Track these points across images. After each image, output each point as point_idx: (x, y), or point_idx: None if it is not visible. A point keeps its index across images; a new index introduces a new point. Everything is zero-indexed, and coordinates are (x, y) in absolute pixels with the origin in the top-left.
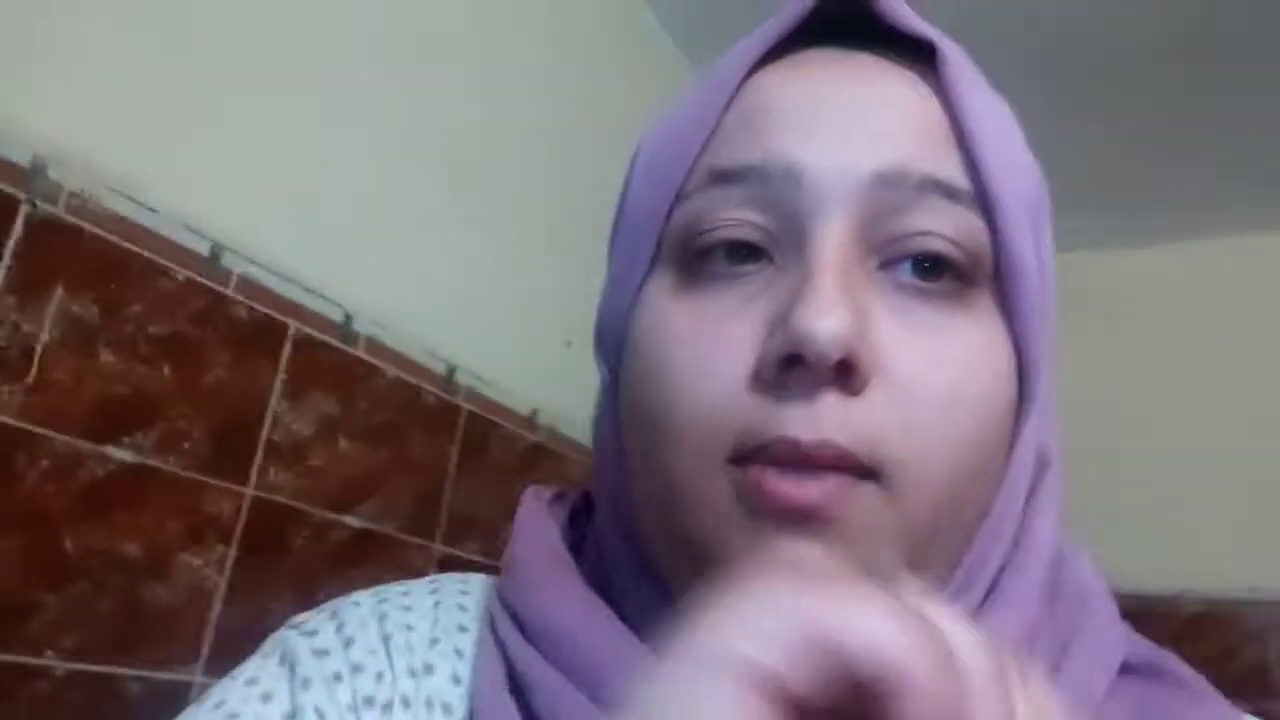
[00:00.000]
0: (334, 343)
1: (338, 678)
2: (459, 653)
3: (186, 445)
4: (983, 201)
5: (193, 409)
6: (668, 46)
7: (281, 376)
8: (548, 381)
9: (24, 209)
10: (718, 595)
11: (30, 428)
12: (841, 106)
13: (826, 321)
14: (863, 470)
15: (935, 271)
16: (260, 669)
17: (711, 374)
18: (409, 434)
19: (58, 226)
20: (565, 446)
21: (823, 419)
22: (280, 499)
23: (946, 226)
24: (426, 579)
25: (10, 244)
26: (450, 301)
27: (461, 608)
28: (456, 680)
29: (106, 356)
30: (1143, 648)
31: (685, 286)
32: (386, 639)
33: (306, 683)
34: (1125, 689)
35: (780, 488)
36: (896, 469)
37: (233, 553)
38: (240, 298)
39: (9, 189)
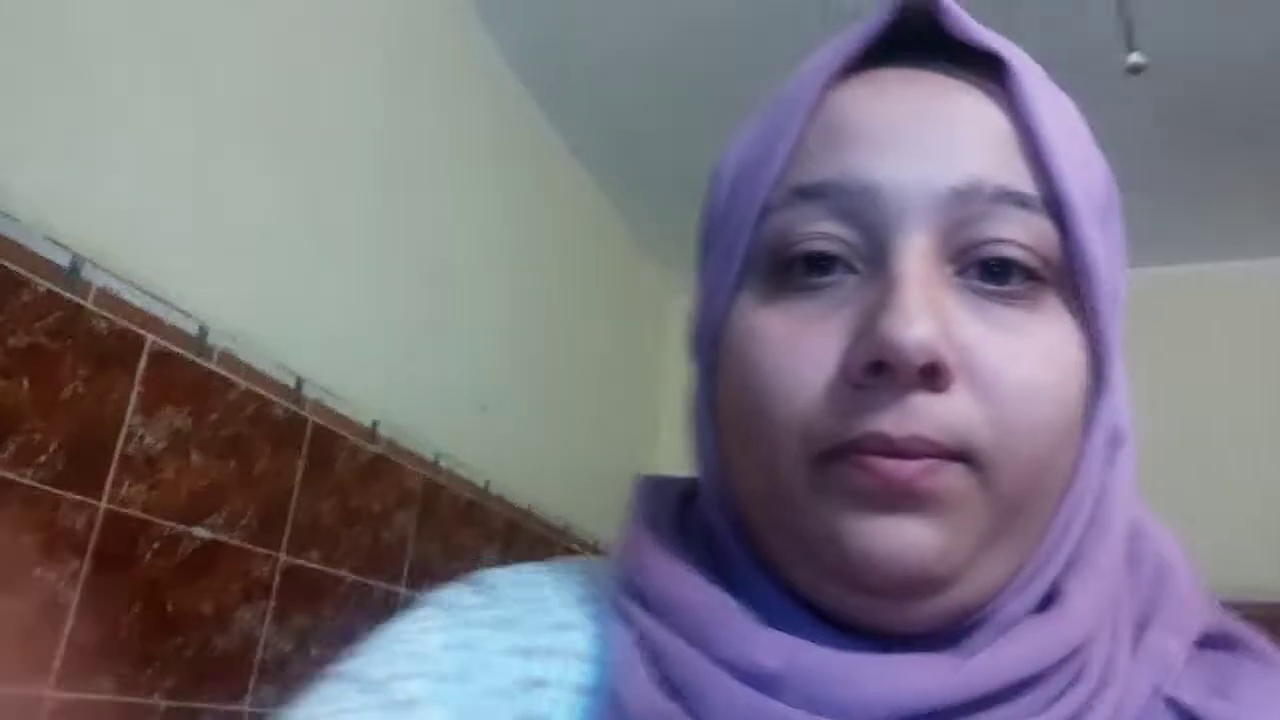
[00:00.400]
0: (189, 356)
1: (488, 624)
2: (591, 617)
3: (42, 459)
4: (1053, 206)
5: (48, 423)
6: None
7: (138, 389)
8: (387, 395)
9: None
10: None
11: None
12: (917, 124)
13: (913, 330)
14: (951, 455)
15: (1008, 274)
16: (419, 615)
17: (801, 379)
18: (257, 446)
19: None
20: (404, 458)
21: (911, 416)
22: (133, 512)
23: (1019, 233)
24: (540, 563)
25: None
26: (299, 315)
27: (581, 584)
28: (592, 640)
29: None
30: (1223, 620)
31: (774, 296)
32: (526, 600)
33: (466, 623)
34: (1203, 658)
35: (880, 466)
36: (982, 454)
37: (86, 566)
38: (99, 310)
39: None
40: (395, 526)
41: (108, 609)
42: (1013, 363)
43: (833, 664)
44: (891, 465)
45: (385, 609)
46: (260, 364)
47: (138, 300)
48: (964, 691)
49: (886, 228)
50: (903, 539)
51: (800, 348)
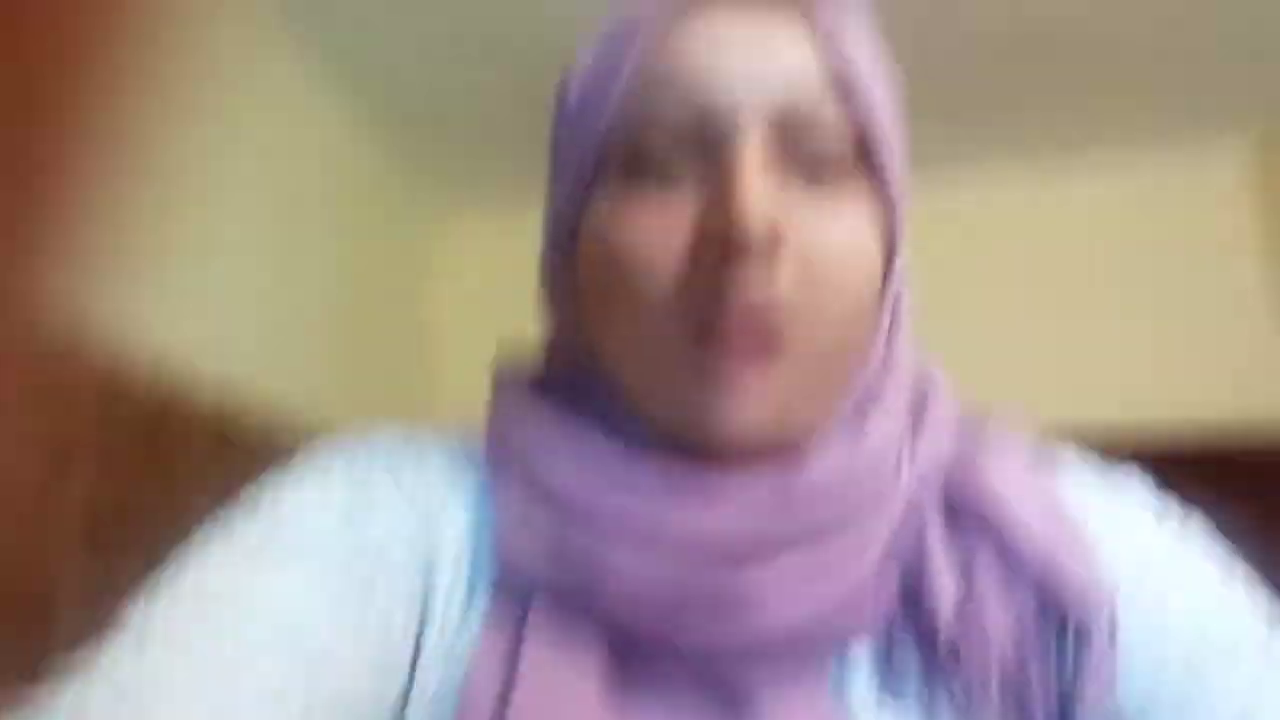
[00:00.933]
0: None
1: (380, 472)
2: (469, 465)
3: None
4: (857, 113)
5: None
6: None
7: None
8: None
9: None
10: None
11: None
12: (743, 48)
13: (753, 207)
14: (776, 326)
15: (822, 169)
16: (310, 469)
17: (657, 259)
18: None
19: None
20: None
21: (752, 286)
22: None
23: (830, 136)
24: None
25: None
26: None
27: (459, 440)
28: (472, 488)
29: None
30: (969, 423)
31: (628, 192)
32: (408, 454)
33: (352, 478)
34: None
35: (729, 339)
36: (814, 318)
37: None
38: None
39: None
40: None
41: None
42: (828, 235)
43: (684, 473)
44: (740, 333)
45: None
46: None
47: None
48: (793, 495)
49: (723, 136)
50: (741, 395)
51: (655, 232)
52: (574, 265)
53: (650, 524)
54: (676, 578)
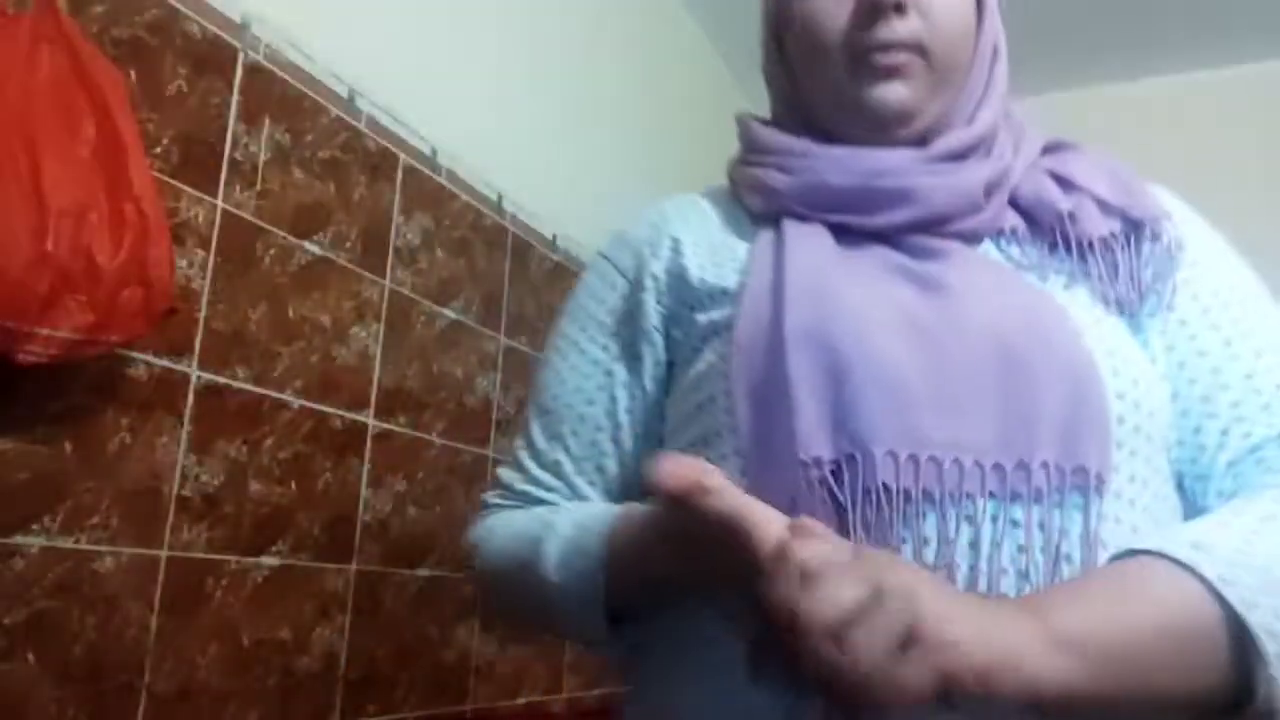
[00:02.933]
0: (426, 171)
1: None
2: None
3: (348, 244)
4: None
5: (349, 216)
6: None
7: (399, 196)
8: (563, 212)
9: (240, 57)
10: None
11: (258, 221)
12: None
13: None
14: (910, 48)
15: None
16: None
17: (832, 20)
18: (477, 248)
19: (260, 70)
20: (578, 267)
21: (893, 30)
22: (405, 291)
23: None
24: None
25: (236, 82)
26: (504, 143)
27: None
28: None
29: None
30: (1056, 139)
31: None
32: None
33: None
34: (1045, 156)
35: (881, 58)
36: (927, 46)
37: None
38: (370, 133)
39: (230, 40)
40: None
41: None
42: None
43: (860, 152)
44: (887, 57)
45: None
46: (473, 181)
47: (394, 127)
48: (931, 152)
49: None
50: (893, 93)
51: (830, 8)
52: (782, 49)
53: (848, 161)
54: (865, 185)
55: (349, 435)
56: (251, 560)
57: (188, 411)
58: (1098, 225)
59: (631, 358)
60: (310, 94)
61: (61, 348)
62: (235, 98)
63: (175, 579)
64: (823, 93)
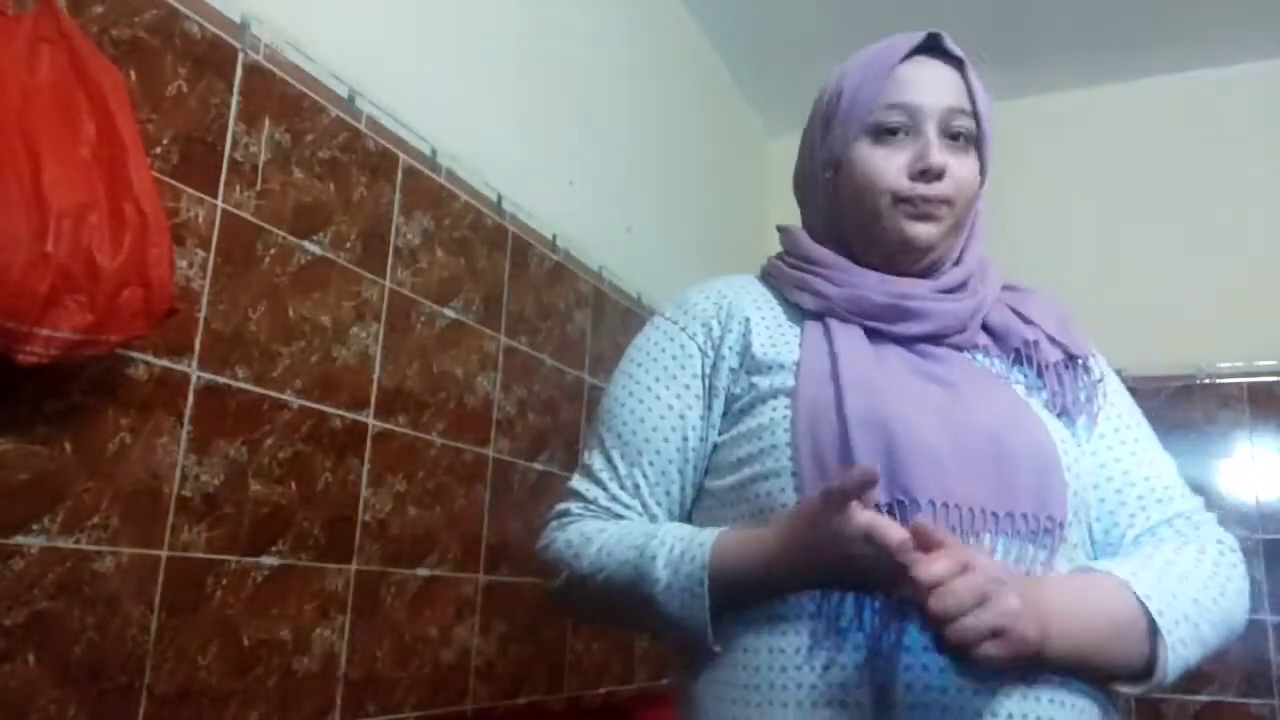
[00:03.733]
0: (426, 171)
1: (716, 322)
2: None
3: (347, 244)
4: (976, 115)
5: (349, 216)
6: None
7: (397, 197)
8: (560, 215)
9: (240, 57)
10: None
11: (258, 221)
12: (930, 75)
13: (936, 156)
14: (946, 203)
15: (959, 138)
16: (658, 339)
17: (890, 171)
18: (477, 248)
19: (261, 71)
20: (576, 267)
21: (934, 187)
22: (405, 291)
23: (966, 124)
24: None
25: (236, 83)
26: (504, 143)
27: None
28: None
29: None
30: (1010, 281)
31: (874, 144)
32: (724, 301)
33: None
34: (1006, 293)
35: (923, 205)
36: (952, 201)
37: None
38: (370, 133)
39: (230, 40)
40: (576, 323)
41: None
42: (960, 170)
43: (889, 279)
44: (928, 206)
45: (575, 391)
46: (472, 181)
47: (394, 127)
48: (940, 285)
49: (922, 120)
50: (925, 232)
51: (889, 161)
52: (833, 182)
53: (883, 284)
54: (895, 304)
55: (349, 435)
56: (251, 560)
57: (188, 411)
58: (1050, 354)
59: (704, 407)
60: (310, 94)
61: (61, 348)
62: (235, 98)
63: (175, 579)
64: (863, 220)
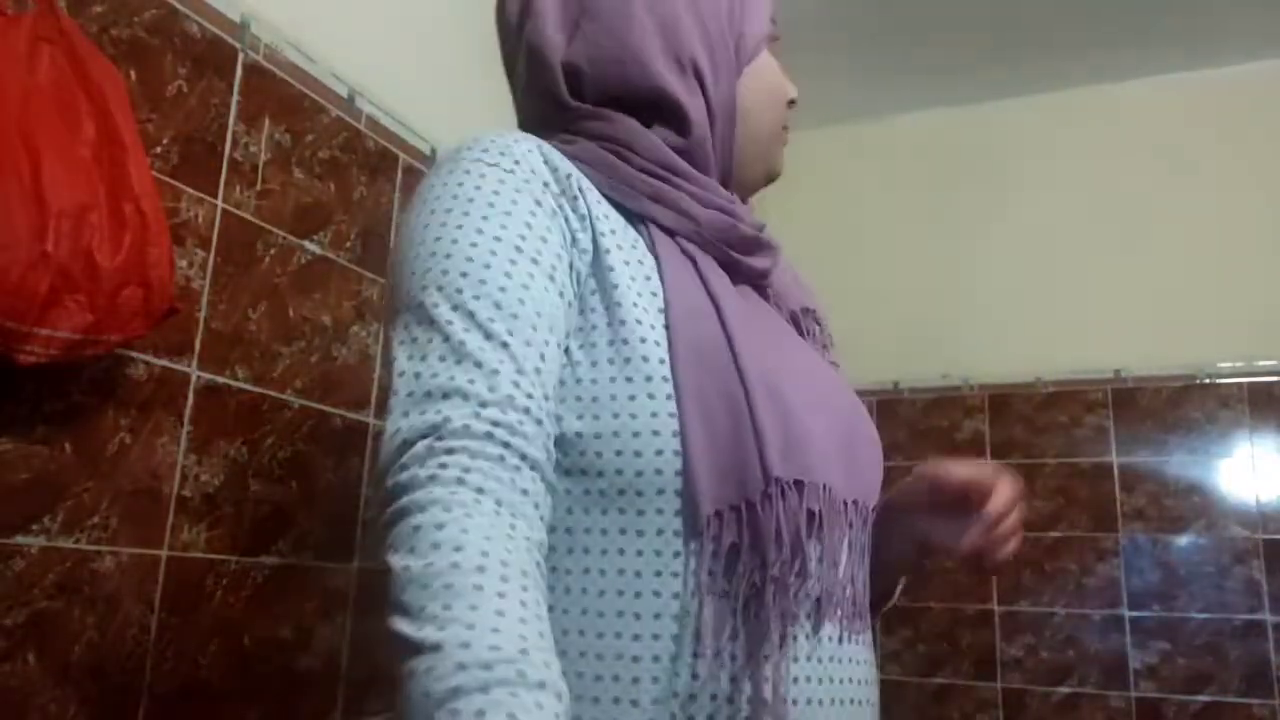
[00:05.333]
0: (426, 170)
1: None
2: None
3: (347, 244)
4: None
5: (349, 216)
6: None
7: (397, 196)
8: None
9: (240, 57)
10: None
11: (258, 221)
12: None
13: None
14: None
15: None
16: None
17: (782, 99)
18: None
19: (261, 71)
20: None
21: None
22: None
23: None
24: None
25: (236, 83)
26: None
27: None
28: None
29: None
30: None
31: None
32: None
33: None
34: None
35: (785, 136)
36: None
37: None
38: (369, 133)
39: (230, 40)
40: None
41: None
42: None
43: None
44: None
45: None
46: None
47: (394, 127)
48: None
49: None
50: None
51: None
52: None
53: (745, 214)
54: (755, 236)
55: (349, 435)
56: (251, 560)
57: (187, 411)
58: (822, 310)
59: (571, 291)
60: (310, 94)
61: (61, 348)
62: (235, 98)
63: (175, 579)
64: (753, 145)
